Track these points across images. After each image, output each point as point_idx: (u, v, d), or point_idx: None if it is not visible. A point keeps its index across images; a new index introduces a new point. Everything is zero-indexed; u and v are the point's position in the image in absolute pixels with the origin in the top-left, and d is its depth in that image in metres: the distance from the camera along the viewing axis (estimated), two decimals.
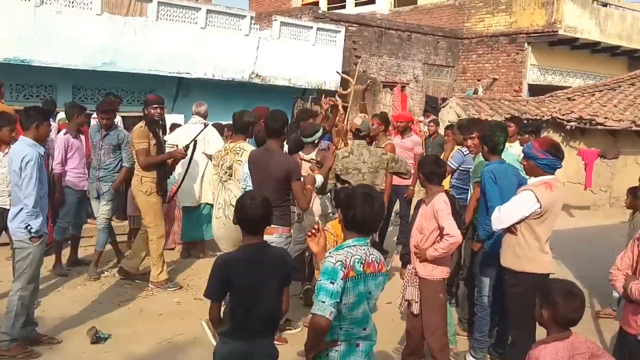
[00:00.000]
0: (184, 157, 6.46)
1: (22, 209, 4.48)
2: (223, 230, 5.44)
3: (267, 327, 3.16)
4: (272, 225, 4.79)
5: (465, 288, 5.54)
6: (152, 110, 6.20)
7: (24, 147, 4.53)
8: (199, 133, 6.63)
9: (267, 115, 5.15)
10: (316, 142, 5.92)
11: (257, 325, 3.07)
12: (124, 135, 6.56)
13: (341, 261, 2.81)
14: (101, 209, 6.53)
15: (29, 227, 4.47)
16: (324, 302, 2.74)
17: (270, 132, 4.95)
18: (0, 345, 4.54)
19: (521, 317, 4.21)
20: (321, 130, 6.00)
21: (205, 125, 7.06)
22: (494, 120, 9.55)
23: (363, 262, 2.87)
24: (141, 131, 6.12)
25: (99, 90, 10.80)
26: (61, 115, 8.45)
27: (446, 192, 4.56)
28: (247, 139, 5.87)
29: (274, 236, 4.76)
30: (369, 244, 2.97)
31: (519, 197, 4.13)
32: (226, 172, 5.46)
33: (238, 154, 5.45)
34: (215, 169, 5.59)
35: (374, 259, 2.93)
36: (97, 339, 4.92)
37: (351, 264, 2.82)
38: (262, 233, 3.19)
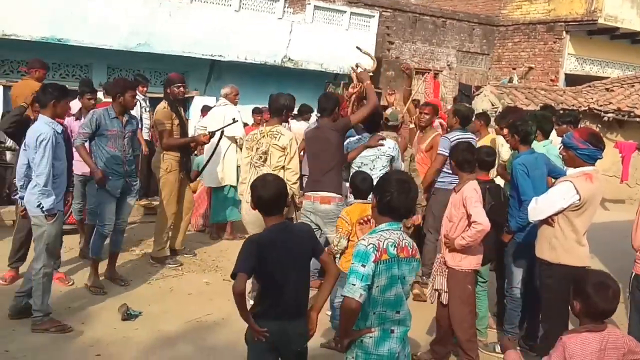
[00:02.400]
0: (206, 143, 6.49)
1: (35, 186, 4.51)
2: (252, 214, 5.35)
3: (301, 307, 3.11)
4: (328, 194, 4.92)
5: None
6: (175, 89, 6.18)
7: (41, 125, 4.55)
8: (227, 125, 6.56)
9: (320, 97, 5.47)
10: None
11: (291, 306, 3.04)
12: (138, 119, 6.15)
13: (373, 244, 2.82)
14: (129, 207, 5.80)
15: (40, 205, 4.50)
16: (354, 285, 2.76)
17: (321, 110, 5.35)
18: (34, 320, 4.65)
19: (554, 309, 4.15)
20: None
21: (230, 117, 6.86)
22: (533, 110, 9.36)
23: (397, 245, 2.87)
24: (164, 112, 6.13)
25: (133, 71, 10.89)
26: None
27: (491, 181, 4.45)
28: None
29: (331, 205, 4.93)
30: (401, 229, 2.96)
31: (558, 188, 4.03)
32: (260, 157, 5.22)
33: (275, 137, 5.23)
34: (248, 152, 5.34)
35: (407, 244, 2.93)
36: (128, 315, 5.00)
37: (384, 247, 2.82)
38: (281, 214, 3.15)
